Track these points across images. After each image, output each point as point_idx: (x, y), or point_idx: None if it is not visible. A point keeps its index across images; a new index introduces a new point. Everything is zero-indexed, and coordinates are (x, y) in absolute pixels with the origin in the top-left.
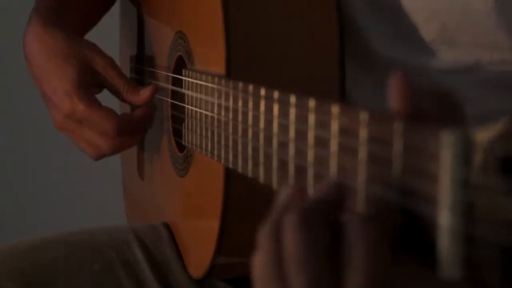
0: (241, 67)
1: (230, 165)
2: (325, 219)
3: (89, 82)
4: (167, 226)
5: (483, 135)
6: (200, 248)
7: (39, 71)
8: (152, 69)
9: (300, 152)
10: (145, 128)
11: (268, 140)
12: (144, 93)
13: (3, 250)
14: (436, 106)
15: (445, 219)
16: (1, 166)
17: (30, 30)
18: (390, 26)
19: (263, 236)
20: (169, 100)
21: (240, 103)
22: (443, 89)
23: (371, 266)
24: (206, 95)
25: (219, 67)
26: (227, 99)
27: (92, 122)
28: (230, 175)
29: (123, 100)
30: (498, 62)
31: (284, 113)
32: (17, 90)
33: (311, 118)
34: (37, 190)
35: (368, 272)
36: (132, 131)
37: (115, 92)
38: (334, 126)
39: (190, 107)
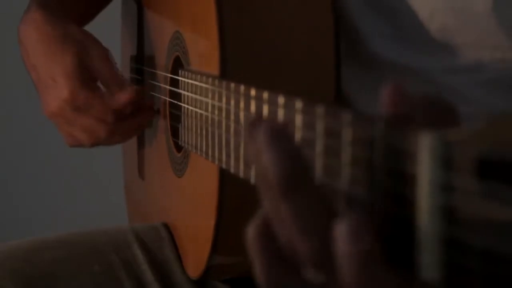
0: (235, 68)
1: (223, 165)
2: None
3: (88, 69)
4: (167, 227)
5: (461, 137)
6: (196, 248)
7: (35, 57)
8: (151, 69)
9: None
10: (143, 118)
11: None
12: (124, 95)
13: (3, 251)
14: (426, 111)
15: (424, 222)
16: (1, 166)
17: (28, 17)
18: (389, 27)
19: None
20: (167, 100)
21: (232, 103)
22: (435, 94)
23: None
24: (201, 95)
25: (213, 68)
26: (220, 99)
27: (91, 108)
28: (225, 175)
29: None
30: (499, 62)
31: (273, 114)
32: (17, 90)
33: (298, 119)
34: (37, 190)
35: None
36: (129, 119)
37: (105, 85)
38: (320, 127)
39: (186, 106)
